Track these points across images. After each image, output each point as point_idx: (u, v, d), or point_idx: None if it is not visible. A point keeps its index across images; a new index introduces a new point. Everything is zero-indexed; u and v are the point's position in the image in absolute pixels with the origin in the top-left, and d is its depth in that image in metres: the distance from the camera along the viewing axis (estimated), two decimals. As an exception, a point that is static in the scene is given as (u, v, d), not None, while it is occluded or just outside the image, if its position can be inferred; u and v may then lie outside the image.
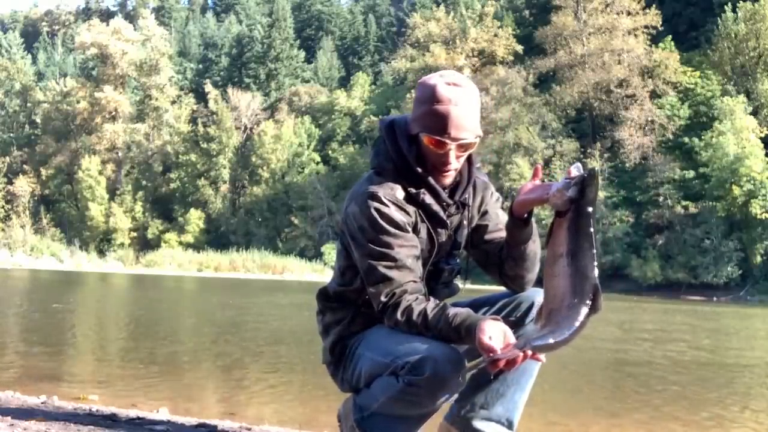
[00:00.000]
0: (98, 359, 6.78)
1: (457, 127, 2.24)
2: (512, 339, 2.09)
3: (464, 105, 2.25)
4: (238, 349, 7.82)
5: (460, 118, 2.24)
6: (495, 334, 2.07)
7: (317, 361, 2.62)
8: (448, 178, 2.35)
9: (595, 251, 2.09)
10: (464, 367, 2.19)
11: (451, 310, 2.19)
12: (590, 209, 2.10)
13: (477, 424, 2.47)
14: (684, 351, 9.41)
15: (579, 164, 2.20)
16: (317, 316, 2.52)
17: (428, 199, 2.33)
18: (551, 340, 2.05)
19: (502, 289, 2.53)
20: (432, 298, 2.29)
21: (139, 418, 3.31)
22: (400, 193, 2.31)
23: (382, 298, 2.25)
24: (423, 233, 2.35)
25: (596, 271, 2.07)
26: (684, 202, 41.73)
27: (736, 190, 38.97)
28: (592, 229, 2.09)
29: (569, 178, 2.13)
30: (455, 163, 2.31)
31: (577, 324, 2.05)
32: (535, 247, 2.40)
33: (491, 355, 2.04)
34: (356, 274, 2.36)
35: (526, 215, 2.31)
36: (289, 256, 45.89)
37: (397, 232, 2.27)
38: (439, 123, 2.24)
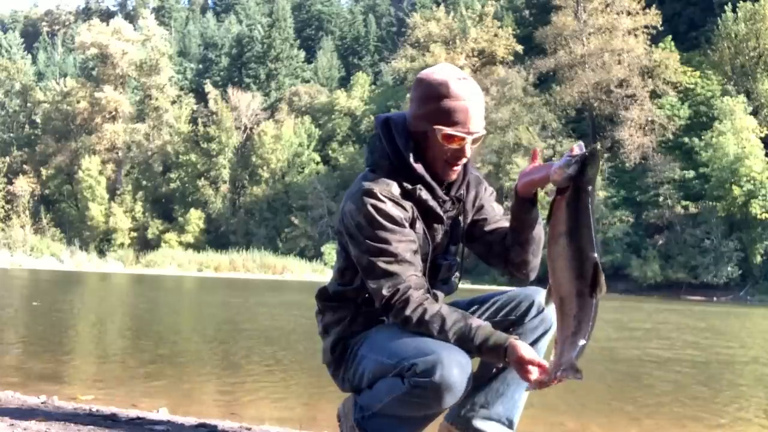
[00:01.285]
0: (98, 359, 6.77)
1: (474, 121, 2.28)
2: (539, 359, 2.16)
3: (477, 99, 2.30)
4: (238, 348, 7.82)
5: (477, 112, 2.29)
6: (532, 359, 2.14)
7: (317, 361, 2.62)
8: (456, 173, 2.37)
9: (593, 229, 2.08)
10: (471, 371, 2.20)
11: (473, 321, 2.20)
12: (590, 187, 2.10)
13: (477, 423, 2.47)
14: (684, 351, 9.40)
15: (581, 143, 2.21)
16: (317, 316, 2.51)
17: (424, 194, 2.33)
18: (581, 343, 2.09)
19: (501, 289, 2.53)
20: (443, 301, 2.30)
21: (139, 418, 3.31)
22: (395, 189, 2.31)
23: (384, 292, 2.24)
24: (420, 229, 2.35)
25: (596, 249, 2.07)
26: (684, 202, 41.75)
27: (736, 190, 38.98)
28: (591, 207, 2.09)
29: (571, 156, 2.13)
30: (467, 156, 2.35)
31: (592, 314, 2.09)
32: (540, 230, 2.42)
33: (537, 387, 2.14)
34: (356, 273, 2.36)
35: (532, 196, 2.33)
36: (289, 256, 45.94)
37: (394, 227, 2.26)
38: (458, 118, 2.27)
